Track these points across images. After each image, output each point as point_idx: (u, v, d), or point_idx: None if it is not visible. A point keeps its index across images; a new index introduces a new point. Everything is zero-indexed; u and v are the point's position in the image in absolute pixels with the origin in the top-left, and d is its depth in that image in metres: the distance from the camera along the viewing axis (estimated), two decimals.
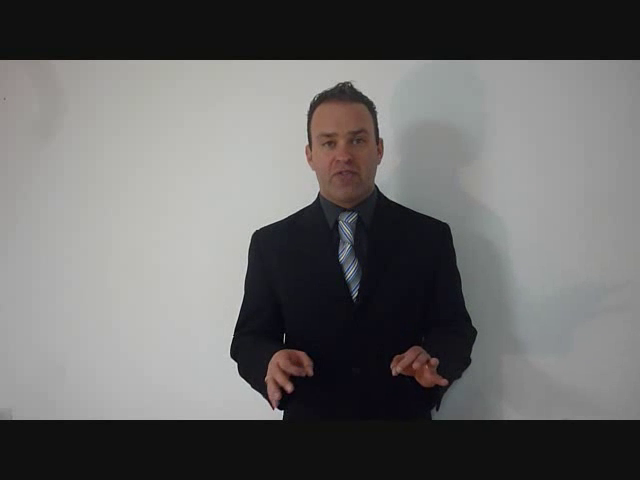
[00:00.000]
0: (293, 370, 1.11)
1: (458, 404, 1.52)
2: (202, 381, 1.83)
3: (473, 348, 1.38)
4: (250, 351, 1.35)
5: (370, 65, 1.51)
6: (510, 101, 1.49)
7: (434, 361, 1.09)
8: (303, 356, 1.16)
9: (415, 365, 1.08)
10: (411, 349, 1.14)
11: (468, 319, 1.40)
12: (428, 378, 1.11)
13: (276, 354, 1.17)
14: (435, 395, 1.20)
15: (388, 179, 1.56)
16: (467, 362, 1.36)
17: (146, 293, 1.92)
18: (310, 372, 1.12)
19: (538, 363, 1.48)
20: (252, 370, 1.29)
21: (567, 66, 1.41)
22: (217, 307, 1.77)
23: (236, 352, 1.41)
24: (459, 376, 1.35)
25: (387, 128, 1.49)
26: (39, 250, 2.10)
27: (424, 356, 1.10)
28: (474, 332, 1.40)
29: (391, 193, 1.50)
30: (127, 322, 1.95)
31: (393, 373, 1.10)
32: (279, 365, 1.12)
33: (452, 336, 1.32)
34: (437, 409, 1.26)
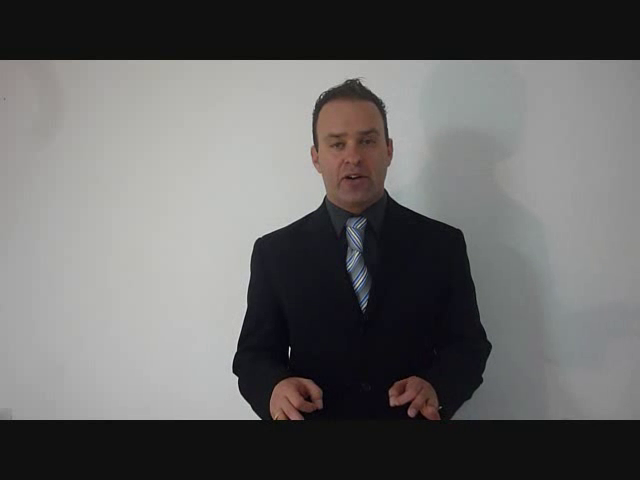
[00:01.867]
0: (307, 407, 1.07)
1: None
2: (202, 381, 1.83)
3: (490, 360, 1.32)
4: (249, 375, 1.30)
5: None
6: (510, 101, 1.48)
7: (430, 411, 1.06)
8: (311, 385, 1.10)
9: (410, 412, 1.05)
10: (412, 383, 1.09)
11: (482, 332, 1.33)
12: (424, 414, 1.08)
13: (282, 386, 1.11)
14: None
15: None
16: (478, 382, 1.30)
17: (146, 293, 1.92)
18: (320, 405, 1.08)
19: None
20: (253, 396, 1.25)
21: (567, 66, 1.41)
22: (217, 307, 1.77)
23: (236, 370, 1.36)
24: (469, 397, 1.28)
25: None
26: (39, 250, 2.10)
27: (422, 398, 1.07)
28: (488, 347, 1.33)
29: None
30: (127, 322, 1.95)
31: (390, 403, 1.07)
32: (290, 401, 1.07)
33: (466, 357, 1.26)
34: None
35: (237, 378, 1.35)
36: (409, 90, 1.56)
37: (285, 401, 1.08)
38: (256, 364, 1.29)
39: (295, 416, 1.06)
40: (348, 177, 1.22)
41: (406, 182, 1.56)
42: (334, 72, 1.33)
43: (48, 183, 2.07)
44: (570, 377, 1.47)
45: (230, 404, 1.68)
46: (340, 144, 1.22)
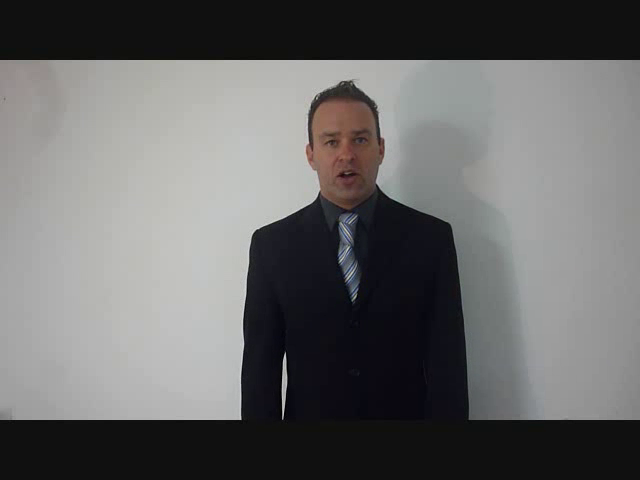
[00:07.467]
0: None
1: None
2: (202, 381, 1.83)
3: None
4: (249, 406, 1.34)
5: (373, 65, 1.50)
6: (512, 101, 1.48)
7: None
8: None
9: None
10: None
11: (461, 324, 1.35)
12: None
13: None
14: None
15: (391, 178, 1.55)
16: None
17: (146, 293, 1.92)
18: None
19: (538, 363, 1.47)
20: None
21: (567, 66, 1.41)
22: (217, 307, 1.77)
23: (243, 378, 1.39)
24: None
25: (391, 128, 1.48)
26: (39, 250, 2.10)
27: None
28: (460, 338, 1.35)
29: (394, 193, 1.49)
30: (127, 322, 1.95)
31: None
32: None
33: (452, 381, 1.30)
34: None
35: (236, 368, 1.39)
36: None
37: None
38: (256, 401, 1.34)
39: None
40: (342, 175, 1.27)
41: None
42: (335, 71, 1.34)
43: (48, 183, 2.07)
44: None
45: (230, 404, 1.69)
46: (334, 142, 1.27)
